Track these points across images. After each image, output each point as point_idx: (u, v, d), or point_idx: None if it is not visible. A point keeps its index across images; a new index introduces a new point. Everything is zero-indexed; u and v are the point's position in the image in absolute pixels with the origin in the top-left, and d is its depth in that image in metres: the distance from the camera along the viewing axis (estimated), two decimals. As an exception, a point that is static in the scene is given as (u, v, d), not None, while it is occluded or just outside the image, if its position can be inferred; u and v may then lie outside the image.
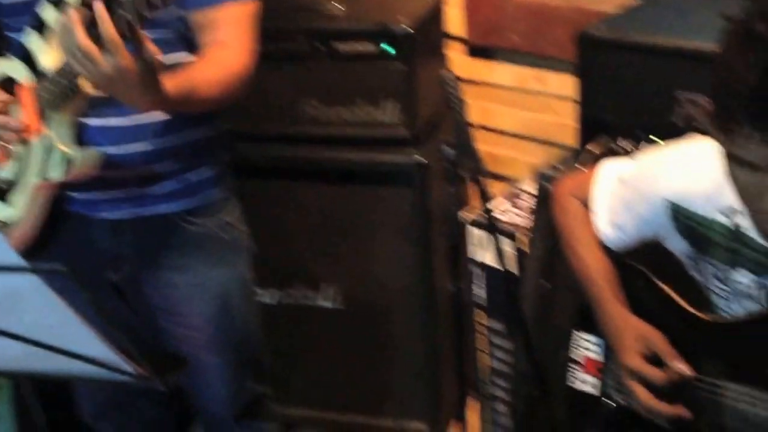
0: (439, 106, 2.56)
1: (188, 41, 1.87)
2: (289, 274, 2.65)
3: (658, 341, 1.59)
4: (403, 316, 2.58)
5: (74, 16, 1.53)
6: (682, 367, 1.55)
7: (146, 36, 1.57)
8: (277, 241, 2.57)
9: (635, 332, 1.61)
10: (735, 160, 1.31)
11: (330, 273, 2.61)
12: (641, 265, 1.69)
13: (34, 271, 1.26)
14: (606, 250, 1.71)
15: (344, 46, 2.48)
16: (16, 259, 1.28)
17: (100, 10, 1.52)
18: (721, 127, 1.30)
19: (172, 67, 1.71)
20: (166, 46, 1.72)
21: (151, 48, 1.57)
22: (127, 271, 1.99)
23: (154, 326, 2.04)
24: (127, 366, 1.36)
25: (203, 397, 2.12)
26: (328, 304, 2.62)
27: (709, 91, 1.81)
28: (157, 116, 1.86)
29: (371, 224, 2.54)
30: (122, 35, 1.54)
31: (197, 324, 2.02)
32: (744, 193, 1.36)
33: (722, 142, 1.32)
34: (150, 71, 1.58)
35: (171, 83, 1.65)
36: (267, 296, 2.61)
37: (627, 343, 1.61)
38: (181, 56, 1.85)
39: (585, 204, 1.72)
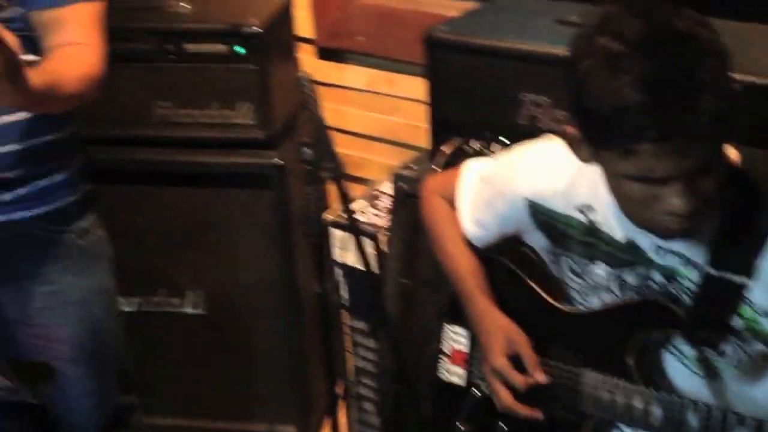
0: (294, 107, 2.58)
1: (32, 42, 1.80)
2: (150, 280, 2.59)
3: (523, 346, 1.66)
4: (269, 319, 2.57)
5: None
6: (541, 377, 1.63)
7: (2, 28, 1.50)
8: (136, 246, 2.51)
9: (503, 333, 1.68)
10: (622, 176, 1.34)
11: (192, 278, 2.57)
12: (507, 260, 1.76)
13: None
14: (473, 246, 1.77)
15: (194, 47, 2.45)
16: None
17: None
18: (595, 146, 1.34)
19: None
20: None
21: (9, 39, 1.49)
22: (-21, 281, 1.91)
23: (13, 339, 1.95)
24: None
25: (66, 410, 2.05)
26: (192, 310, 2.58)
27: (551, 92, 1.94)
28: (6, 119, 1.80)
29: (232, 228, 2.52)
30: None
31: (56, 335, 1.96)
32: (627, 202, 1.41)
33: (601, 160, 1.36)
34: (11, 62, 1.50)
35: (35, 76, 1.58)
36: (128, 304, 2.53)
37: (494, 343, 1.67)
38: (28, 57, 1.78)
39: (451, 202, 1.78)
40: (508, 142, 2.02)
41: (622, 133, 1.27)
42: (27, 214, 1.89)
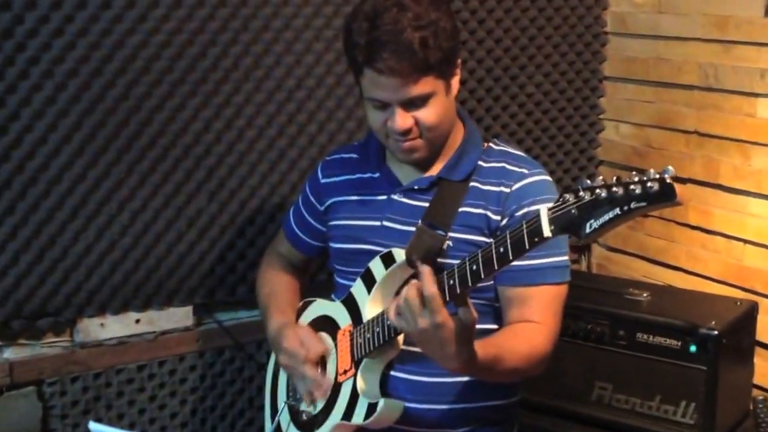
0: (740, 415, 2.43)
1: (494, 312, 1.93)
2: None
3: None
4: None
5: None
6: None
7: (468, 299, 1.65)
8: None
9: None
10: None
11: None
12: None
13: None
14: None
15: (646, 337, 2.45)
16: None
17: (426, 271, 1.63)
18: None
19: (480, 334, 1.76)
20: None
21: (471, 312, 1.63)
22: None
23: None
24: None
25: None
26: None
27: None
28: (459, 378, 1.90)
29: None
30: (444, 296, 1.64)
31: None
32: None
33: None
34: (465, 332, 1.64)
35: (480, 347, 1.69)
36: None
37: None
38: (487, 326, 1.91)
39: None
40: None
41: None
42: (454, 472, 1.94)
